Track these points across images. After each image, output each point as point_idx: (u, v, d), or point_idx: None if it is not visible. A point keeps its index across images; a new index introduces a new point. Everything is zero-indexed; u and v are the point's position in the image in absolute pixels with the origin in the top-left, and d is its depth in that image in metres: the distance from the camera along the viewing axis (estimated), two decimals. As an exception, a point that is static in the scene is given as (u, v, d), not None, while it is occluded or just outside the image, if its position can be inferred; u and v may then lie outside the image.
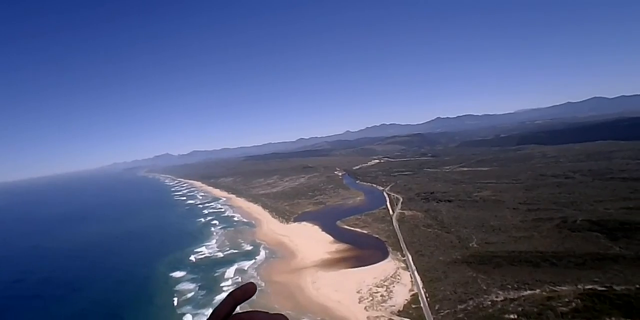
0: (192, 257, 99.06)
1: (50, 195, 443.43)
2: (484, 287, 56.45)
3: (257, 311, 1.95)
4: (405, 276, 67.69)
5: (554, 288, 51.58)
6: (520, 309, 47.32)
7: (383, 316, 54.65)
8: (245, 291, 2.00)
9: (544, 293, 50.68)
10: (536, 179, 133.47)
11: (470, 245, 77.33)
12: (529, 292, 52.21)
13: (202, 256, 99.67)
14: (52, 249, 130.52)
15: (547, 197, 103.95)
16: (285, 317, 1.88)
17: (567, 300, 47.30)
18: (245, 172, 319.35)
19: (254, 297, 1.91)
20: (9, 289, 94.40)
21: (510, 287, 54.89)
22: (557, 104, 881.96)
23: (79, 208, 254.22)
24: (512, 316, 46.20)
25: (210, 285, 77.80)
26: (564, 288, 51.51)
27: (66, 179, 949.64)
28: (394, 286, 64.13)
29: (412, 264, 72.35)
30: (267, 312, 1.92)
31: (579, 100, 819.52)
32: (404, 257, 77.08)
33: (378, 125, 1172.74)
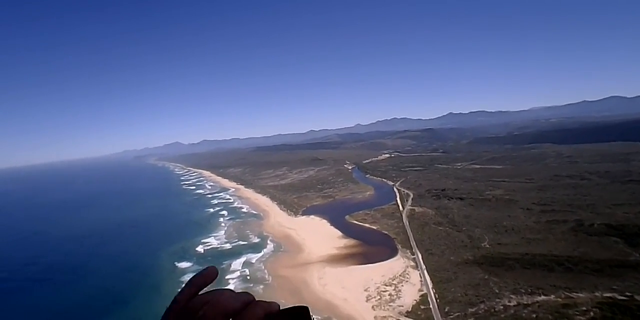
0: (199, 248, 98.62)
1: (60, 181, 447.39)
2: (496, 291, 54.87)
3: (222, 290, 1.90)
4: (415, 275, 66.30)
5: (569, 294, 49.79)
6: (534, 315, 45.69)
7: (391, 316, 53.46)
8: (205, 276, 1.95)
9: (559, 299, 48.93)
10: (550, 179, 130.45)
11: (482, 245, 75.57)
12: (543, 297, 50.48)
13: (209, 247, 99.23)
14: (59, 235, 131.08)
15: (562, 199, 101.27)
16: (252, 296, 1.86)
17: (584, 308, 45.53)
18: (255, 163, 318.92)
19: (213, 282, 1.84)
20: (20, 272, 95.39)
21: (523, 291, 53.20)
22: (573, 102, 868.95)
23: (87, 194, 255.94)
24: (526, 323, 44.55)
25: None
26: (580, 295, 49.68)
27: (77, 165, 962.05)
28: (402, 285, 62.83)
29: (421, 262, 70.91)
30: (232, 290, 1.88)
31: (595, 99, 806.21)
32: (413, 255, 75.60)
33: (389, 119, 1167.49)
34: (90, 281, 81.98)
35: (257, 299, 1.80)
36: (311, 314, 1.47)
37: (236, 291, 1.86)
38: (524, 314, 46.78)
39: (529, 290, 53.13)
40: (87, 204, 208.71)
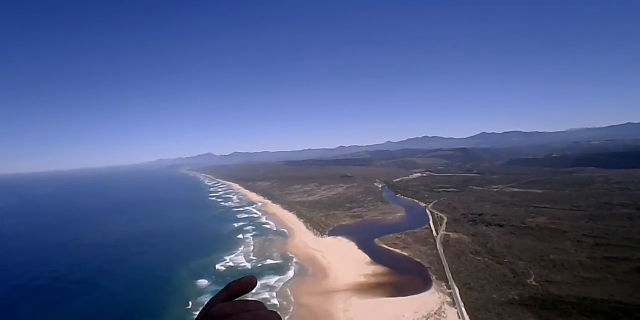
0: (220, 266, 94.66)
1: (99, 185, 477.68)
2: (550, 341, 47.42)
3: (252, 303, 1.83)
4: (452, 314, 59.25)
5: (644, 355, 41.85)
6: (604, 381, 38.15)
7: (426, 364, 46.90)
8: (243, 284, 1.90)
9: (632, 361, 41.12)
10: (600, 208, 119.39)
11: (528, 282, 67.69)
12: (610, 356, 42.75)
13: (230, 265, 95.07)
14: (100, 241, 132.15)
15: (618, 231, 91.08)
16: (279, 317, 1.75)
17: (667, 376, 37.69)
18: (283, 177, 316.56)
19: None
20: (71, 274, 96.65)
21: (584, 345, 45.60)
22: (616, 124, 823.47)
23: (123, 200, 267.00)
24: None
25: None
26: (657, 356, 41.69)
27: (114, 171, 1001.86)
28: (438, 326, 56.06)
29: (459, 299, 63.70)
30: (262, 307, 1.79)
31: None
32: (449, 289, 68.46)
33: (420, 137, 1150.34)
34: (136, 289, 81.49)
35: None
36: None
37: (266, 310, 1.75)
38: (589, 377, 39.28)
39: (592, 345, 45.47)
40: (123, 209, 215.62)
